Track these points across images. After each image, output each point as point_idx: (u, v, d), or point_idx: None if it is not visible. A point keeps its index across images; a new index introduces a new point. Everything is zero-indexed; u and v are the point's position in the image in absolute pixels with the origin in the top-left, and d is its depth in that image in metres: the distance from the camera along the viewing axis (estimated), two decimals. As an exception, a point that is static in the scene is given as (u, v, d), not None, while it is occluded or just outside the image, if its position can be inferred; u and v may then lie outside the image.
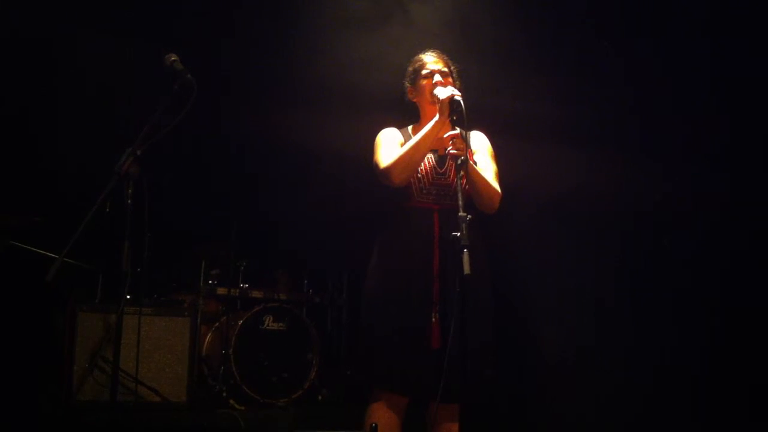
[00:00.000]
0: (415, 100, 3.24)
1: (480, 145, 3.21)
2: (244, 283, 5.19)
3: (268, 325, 4.96)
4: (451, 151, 2.85)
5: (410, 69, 3.24)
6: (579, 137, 4.34)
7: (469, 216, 2.58)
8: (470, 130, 3.19)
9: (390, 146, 3.12)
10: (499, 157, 3.22)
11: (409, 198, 3.09)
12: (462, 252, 2.49)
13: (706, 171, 3.94)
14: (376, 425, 2.87)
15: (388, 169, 3.02)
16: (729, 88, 3.93)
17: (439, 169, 3.10)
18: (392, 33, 4.39)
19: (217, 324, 5.06)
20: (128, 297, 4.32)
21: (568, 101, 4.35)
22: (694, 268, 3.98)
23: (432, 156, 3.11)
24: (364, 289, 3.16)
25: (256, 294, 5.24)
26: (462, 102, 2.85)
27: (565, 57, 4.42)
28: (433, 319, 2.93)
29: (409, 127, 3.24)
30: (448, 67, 3.21)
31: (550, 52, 4.41)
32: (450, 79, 3.16)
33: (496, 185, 3.09)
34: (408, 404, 3.03)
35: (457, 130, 2.89)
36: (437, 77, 3.11)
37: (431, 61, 3.20)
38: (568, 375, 4.36)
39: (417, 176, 3.08)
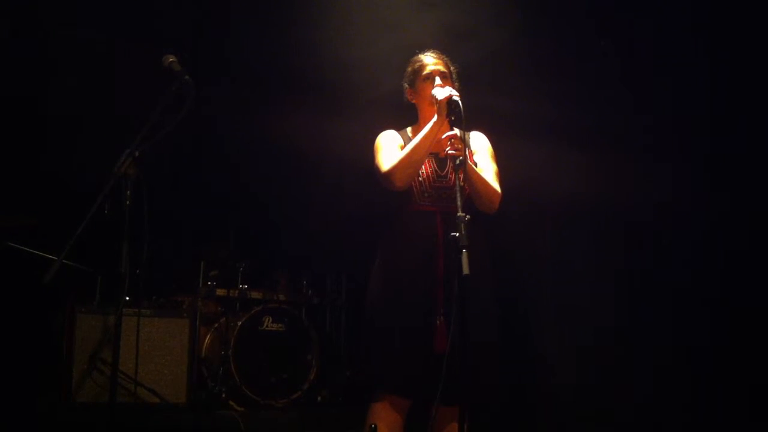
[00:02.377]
0: (414, 101, 3.22)
1: (480, 146, 3.20)
2: (243, 284, 5.18)
3: (267, 326, 4.95)
4: (450, 152, 2.83)
5: (409, 70, 3.21)
6: (579, 138, 4.33)
7: (467, 216, 2.57)
8: (470, 130, 3.18)
9: (390, 149, 3.10)
10: (499, 157, 3.21)
11: (411, 201, 3.08)
12: (461, 252, 2.48)
13: (706, 171, 3.93)
14: (376, 426, 2.86)
15: (389, 172, 3.00)
16: (730, 87, 3.92)
17: (440, 172, 3.09)
18: (394, 34, 4.38)
19: (216, 325, 5.05)
20: (127, 298, 4.32)
21: (568, 102, 4.34)
22: (694, 268, 3.97)
23: (433, 159, 3.09)
24: (367, 291, 3.14)
25: (256, 295, 5.23)
26: (460, 102, 2.84)
27: (565, 57, 4.42)
28: (438, 322, 2.92)
29: (408, 129, 3.22)
30: (448, 68, 3.18)
31: (550, 52, 4.41)
32: (449, 80, 3.14)
33: (496, 185, 3.07)
34: (410, 406, 3.02)
35: (456, 131, 2.88)
36: (437, 79, 3.09)
37: (431, 62, 3.16)
38: (568, 375, 4.36)
39: (418, 180, 3.06)
